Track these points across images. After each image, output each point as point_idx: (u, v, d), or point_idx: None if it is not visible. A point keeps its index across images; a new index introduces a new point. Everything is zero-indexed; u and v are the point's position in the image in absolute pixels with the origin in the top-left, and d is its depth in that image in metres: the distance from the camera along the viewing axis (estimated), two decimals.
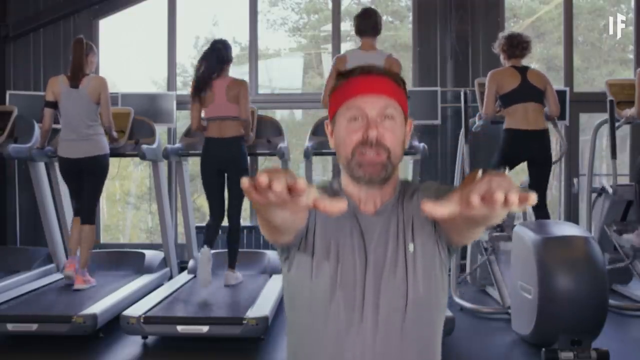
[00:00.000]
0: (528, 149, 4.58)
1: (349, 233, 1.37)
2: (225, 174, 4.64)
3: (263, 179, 0.89)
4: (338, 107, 1.40)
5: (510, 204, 0.90)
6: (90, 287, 4.59)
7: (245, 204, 6.55)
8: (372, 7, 5.22)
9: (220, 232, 4.79)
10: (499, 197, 0.89)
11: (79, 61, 4.54)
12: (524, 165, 4.74)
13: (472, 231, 1.27)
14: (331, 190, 1.44)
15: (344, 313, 1.33)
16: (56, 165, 5.01)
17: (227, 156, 4.54)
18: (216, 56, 4.56)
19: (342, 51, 5.60)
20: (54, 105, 4.60)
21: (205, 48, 4.69)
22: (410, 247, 1.36)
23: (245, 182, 0.92)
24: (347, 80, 1.39)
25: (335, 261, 1.34)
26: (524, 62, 4.77)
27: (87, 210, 4.66)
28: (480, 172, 1.00)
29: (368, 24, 4.50)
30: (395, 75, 1.41)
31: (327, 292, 1.34)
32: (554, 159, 4.90)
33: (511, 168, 4.62)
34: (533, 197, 0.90)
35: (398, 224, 1.38)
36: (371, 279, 1.34)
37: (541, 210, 4.62)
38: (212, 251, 4.49)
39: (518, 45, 4.63)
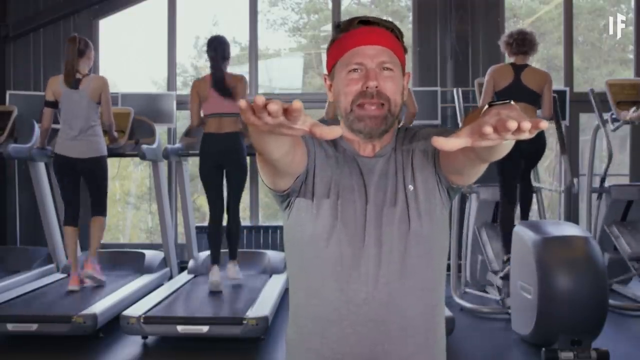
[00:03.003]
0: (518, 145, 4.54)
1: (349, 174, 1.38)
2: (225, 170, 4.61)
3: (260, 99, 0.90)
4: (337, 59, 1.40)
5: (523, 131, 0.91)
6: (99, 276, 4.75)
7: (245, 204, 6.53)
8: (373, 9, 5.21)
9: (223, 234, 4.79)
10: (511, 124, 0.91)
11: (71, 61, 4.50)
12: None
13: (474, 170, 1.29)
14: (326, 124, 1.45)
15: (345, 248, 1.34)
16: None
17: (226, 150, 4.52)
18: (221, 56, 4.57)
19: None
20: (54, 105, 4.60)
21: (208, 45, 4.64)
22: (410, 187, 1.37)
23: (242, 102, 0.93)
24: (345, 32, 1.40)
25: (336, 198, 1.36)
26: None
27: (98, 205, 4.71)
28: (486, 106, 1.03)
29: None
30: (393, 27, 1.41)
31: (328, 227, 1.35)
32: (559, 188, 4.90)
33: (513, 166, 4.56)
34: (544, 123, 0.92)
35: (397, 165, 1.40)
36: (372, 214, 1.35)
37: (526, 183, 4.79)
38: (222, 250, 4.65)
39: (521, 43, 4.59)
